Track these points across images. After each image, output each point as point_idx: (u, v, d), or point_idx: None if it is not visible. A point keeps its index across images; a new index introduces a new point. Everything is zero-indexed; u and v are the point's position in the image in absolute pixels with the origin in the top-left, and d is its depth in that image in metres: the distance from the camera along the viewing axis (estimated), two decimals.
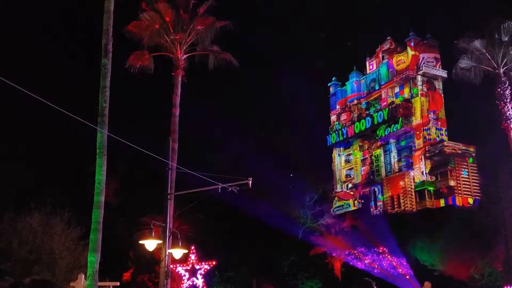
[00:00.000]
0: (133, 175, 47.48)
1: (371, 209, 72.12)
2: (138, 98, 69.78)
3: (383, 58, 78.45)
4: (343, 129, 79.75)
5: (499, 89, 38.84)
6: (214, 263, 29.49)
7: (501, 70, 38.71)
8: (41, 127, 49.08)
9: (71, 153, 48.10)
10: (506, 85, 38.73)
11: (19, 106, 43.09)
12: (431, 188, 68.50)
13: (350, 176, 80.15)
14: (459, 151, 68.61)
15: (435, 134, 71.62)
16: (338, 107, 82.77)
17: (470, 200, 64.72)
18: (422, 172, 69.95)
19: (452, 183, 66.87)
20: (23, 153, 47.05)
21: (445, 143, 69.84)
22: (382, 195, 73.17)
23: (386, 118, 73.94)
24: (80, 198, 35.21)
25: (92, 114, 19.69)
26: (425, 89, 73.33)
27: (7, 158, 43.16)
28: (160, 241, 18.72)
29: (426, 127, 71.40)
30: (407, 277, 47.23)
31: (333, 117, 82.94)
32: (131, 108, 64.07)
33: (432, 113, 72.31)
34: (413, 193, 69.43)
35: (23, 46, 66.67)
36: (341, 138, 79.88)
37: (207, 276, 33.55)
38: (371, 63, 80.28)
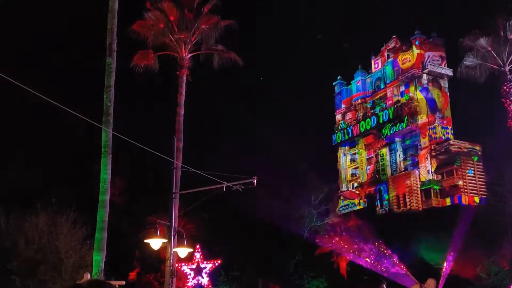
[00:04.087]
0: (138, 174, 47.52)
1: (377, 208, 71.98)
2: (142, 97, 69.87)
3: (388, 57, 78.28)
4: (348, 128, 79.62)
5: (504, 87, 38.72)
6: (219, 262, 29.48)
7: (507, 68, 38.58)
8: (47, 126, 49.21)
9: (76, 152, 48.19)
10: None
11: (24, 106, 43.21)
12: (437, 187, 68.30)
13: (356, 175, 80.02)
14: (465, 150, 68.38)
15: (441, 132, 71.41)
16: (343, 106, 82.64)
17: (476, 199, 64.50)
18: (428, 171, 69.74)
19: (458, 182, 66.66)
20: (29, 152, 47.18)
21: (451, 142, 69.61)
22: (388, 194, 72.99)
23: (391, 117, 73.79)
24: (86, 198, 35.24)
25: (97, 113, 19.74)
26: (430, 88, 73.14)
27: (13, 158, 43.30)
28: (165, 240, 18.72)
29: (432, 126, 71.20)
30: (412, 276, 47.08)
31: (338, 116, 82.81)
32: (135, 107, 64.15)
33: (437, 112, 72.11)
34: (419, 192, 69.24)
35: (26, 45, 66.92)
36: (346, 137, 79.76)
37: (212, 275, 33.54)
38: (376, 61, 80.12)
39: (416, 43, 74.13)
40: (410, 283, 46.15)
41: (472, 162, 68.04)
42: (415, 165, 71.73)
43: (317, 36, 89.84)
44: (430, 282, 14.77)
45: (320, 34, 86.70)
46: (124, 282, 23.14)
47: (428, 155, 70.21)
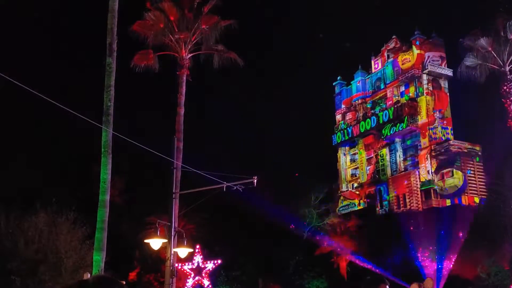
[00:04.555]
0: (139, 174, 47.55)
1: (377, 209, 71.96)
2: (142, 97, 69.87)
3: (388, 57, 78.25)
4: (348, 129, 79.59)
5: (505, 87, 38.70)
6: (219, 262, 29.48)
7: (507, 68, 38.56)
8: (47, 126, 49.24)
9: (77, 152, 48.22)
10: None
11: (25, 106, 43.24)
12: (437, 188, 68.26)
13: (356, 176, 79.98)
14: (465, 150, 68.34)
15: (441, 133, 71.35)
16: (343, 106, 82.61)
17: (476, 199, 64.45)
18: (428, 171, 69.70)
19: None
20: (29, 152, 47.20)
21: (451, 142, 69.56)
22: (388, 194, 72.96)
23: (391, 117, 73.75)
24: (86, 198, 35.29)
25: (97, 113, 19.74)
26: (430, 88, 73.09)
27: (13, 158, 43.31)
28: (165, 240, 18.73)
29: (432, 126, 71.15)
30: (412, 275, 47.01)
31: (338, 116, 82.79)
32: (135, 107, 64.19)
33: (437, 112, 72.06)
34: (419, 192, 69.19)
35: (27, 45, 66.89)
36: (346, 138, 79.73)
37: (213, 275, 33.55)
38: (376, 62, 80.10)
39: (416, 43, 74.10)
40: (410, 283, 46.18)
41: (472, 162, 68.03)
42: (415, 165, 71.69)
43: (319, 35, 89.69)
44: (428, 281, 14.85)
45: (320, 34, 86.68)
46: (124, 282, 23.19)
47: (428, 155, 70.17)
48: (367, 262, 49.24)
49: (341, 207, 74.92)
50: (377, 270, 46.69)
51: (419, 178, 70.08)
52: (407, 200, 69.74)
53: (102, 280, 2.87)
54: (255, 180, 18.82)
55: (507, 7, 40.01)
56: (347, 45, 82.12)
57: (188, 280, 27.76)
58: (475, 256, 42.37)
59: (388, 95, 76.80)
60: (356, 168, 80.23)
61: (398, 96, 75.57)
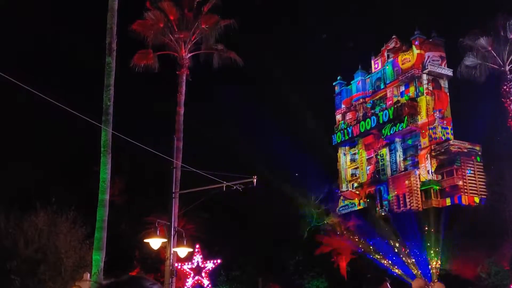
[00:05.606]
0: (138, 174, 47.53)
1: (377, 208, 71.96)
2: (142, 97, 69.84)
3: (388, 57, 78.24)
4: (348, 128, 79.59)
5: (505, 87, 38.69)
6: (219, 261, 29.47)
7: (507, 68, 38.56)
8: (47, 126, 49.20)
9: (76, 152, 48.20)
10: None
11: (24, 105, 43.21)
12: (437, 187, 68.26)
13: (356, 175, 79.99)
14: (465, 150, 68.33)
15: (441, 133, 71.35)
16: (343, 106, 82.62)
17: (476, 199, 64.46)
18: (428, 171, 69.71)
19: (458, 182, 66.62)
20: (28, 152, 47.20)
21: (451, 142, 69.56)
22: (388, 194, 72.96)
23: (391, 117, 73.74)
24: (86, 197, 35.25)
25: (97, 112, 19.73)
26: (430, 88, 73.11)
27: (12, 158, 43.31)
28: (165, 240, 18.71)
29: (432, 126, 71.15)
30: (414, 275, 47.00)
31: (338, 116, 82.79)
32: (135, 107, 64.14)
33: (437, 112, 72.07)
34: (419, 192, 69.20)
35: (27, 45, 66.88)
36: (346, 137, 79.74)
37: (212, 275, 33.52)
38: (376, 62, 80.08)
39: (416, 43, 74.10)
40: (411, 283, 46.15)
41: (472, 162, 68.01)
42: (415, 165, 71.68)
43: (321, 35, 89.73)
44: (439, 286, 14.76)
45: (320, 34, 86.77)
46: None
47: (428, 155, 70.18)
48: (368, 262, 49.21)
49: (341, 207, 74.94)
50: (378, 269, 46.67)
51: (419, 178, 70.07)
52: (407, 200, 69.74)
53: (134, 279, 2.89)
54: (255, 180, 18.81)
55: (508, 6, 40.02)
56: (351, 45, 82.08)
57: (187, 280, 27.74)
58: (475, 256, 42.34)
59: (388, 95, 76.79)
60: (356, 168, 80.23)
61: (398, 96, 75.56)
